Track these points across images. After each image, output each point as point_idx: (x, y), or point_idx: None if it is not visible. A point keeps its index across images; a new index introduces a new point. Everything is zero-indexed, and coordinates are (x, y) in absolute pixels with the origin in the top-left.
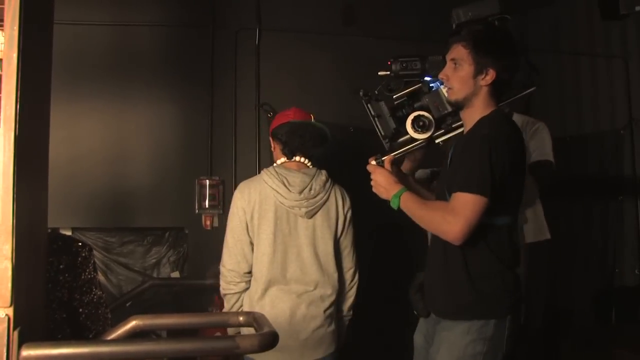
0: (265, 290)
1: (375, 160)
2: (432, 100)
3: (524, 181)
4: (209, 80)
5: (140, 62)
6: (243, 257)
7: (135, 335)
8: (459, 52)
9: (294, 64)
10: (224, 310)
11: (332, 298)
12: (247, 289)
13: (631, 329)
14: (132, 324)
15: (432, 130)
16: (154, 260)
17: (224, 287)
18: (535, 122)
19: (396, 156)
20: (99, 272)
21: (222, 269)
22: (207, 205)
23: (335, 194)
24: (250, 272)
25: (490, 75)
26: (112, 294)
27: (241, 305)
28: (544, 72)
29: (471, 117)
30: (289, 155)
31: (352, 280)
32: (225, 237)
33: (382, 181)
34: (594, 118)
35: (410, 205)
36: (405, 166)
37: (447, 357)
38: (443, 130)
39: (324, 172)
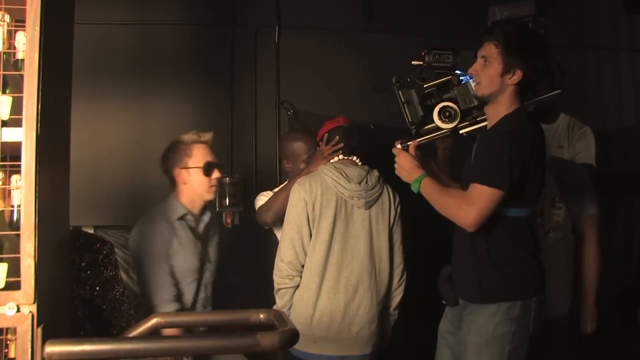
0: (322, 281)
1: (401, 144)
2: (460, 93)
3: (544, 176)
4: (229, 78)
5: (161, 61)
6: (302, 248)
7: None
8: (490, 50)
9: (314, 62)
10: (277, 306)
11: (383, 293)
12: (299, 285)
13: None
14: (154, 321)
15: (457, 121)
16: None
17: (279, 282)
18: (582, 125)
19: (421, 142)
20: (120, 270)
21: (279, 263)
22: (227, 203)
23: (387, 189)
24: (304, 266)
25: (517, 76)
26: (134, 292)
27: (291, 303)
28: (568, 66)
29: (496, 113)
30: (347, 154)
31: (400, 278)
32: (282, 230)
33: (405, 165)
34: (618, 113)
35: (430, 190)
36: (440, 155)
37: (477, 338)
38: (468, 122)
39: (375, 169)
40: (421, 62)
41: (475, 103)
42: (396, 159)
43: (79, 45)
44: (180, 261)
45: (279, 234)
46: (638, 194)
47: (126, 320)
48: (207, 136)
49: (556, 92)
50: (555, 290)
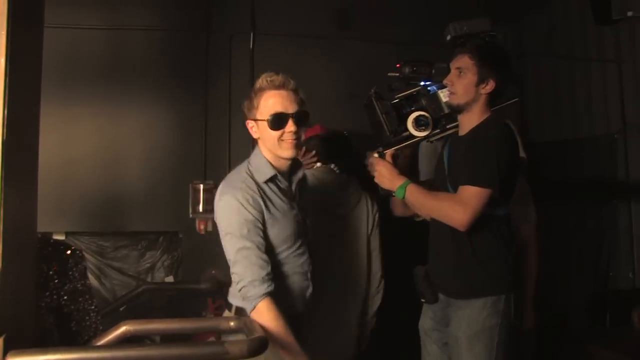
0: None
1: (377, 153)
2: (430, 103)
3: (517, 177)
4: (204, 84)
5: (135, 66)
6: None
7: (126, 341)
8: (465, 62)
9: (289, 69)
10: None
11: (360, 300)
12: None
13: (625, 332)
14: (123, 329)
15: (430, 129)
16: (148, 265)
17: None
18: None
19: (397, 150)
20: (92, 277)
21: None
22: (201, 210)
23: (365, 197)
24: None
25: (490, 85)
26: (105, 299)
27: None
28: (539, 76)
29: (469, 120)
30: (325, 162)
31: (379, 285)
32: None
33: (385, 172)
34: (589, 122)
35: (418, 196)
36: (400, 163)
37: (468, 331)
38: (438, 130)
39: (354, 177)
40: (398, 74)
41: (445, 112)
42: (376, 167)
43: (51, 49)
44: (274, 231)
45: None
46: (607, 201)
47: (94, 330)
48: (279, 80)
49: (515, 100)
50: None
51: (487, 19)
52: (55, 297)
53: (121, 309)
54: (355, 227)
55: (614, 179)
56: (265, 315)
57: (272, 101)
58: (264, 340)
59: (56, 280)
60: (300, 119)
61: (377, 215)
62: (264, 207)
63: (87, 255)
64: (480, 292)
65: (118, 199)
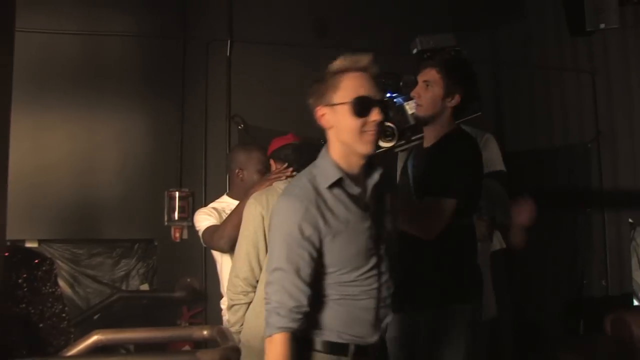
0: None
1: None
2: (397, 114)
3: (482, 188)
4: (180, 91)
5: (110, 72)
6: (257, 264)
7: (98, 350)
8: (433, 76)
9: (266, 76)
10: (229, 322)
11: None
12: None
13: (598, 339)
14: (94, 338)
15: (396, 140)
16: (122, 273)
17: (233, 297)
18: (484, 134)
19: None
20: (66, 285)
21: (234, 279)
22: (176, 217)
23: None
24: (258, 281)
25: (455, 99)
26: (79, 307)
27: (244, 318)
28: (515, 85)
29: (434, 132)
30: (298, 171)
31: None
32: (237, 246)
33: None
34: (563, 131)
35: None
36: None
37: (443, 337)
38: (404, 142)
39: None
40: None
41: (411, 123)
42: None
43: (25, 53)
44: (335, 248)
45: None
46: (581, 209)
47: (64, 339)
48: (365, 60)
49: (478, 114)
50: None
51: (453, 34)
52: (23, 305)
53: (95, 317)
54: None
55: (588, 187)
56: (276, 348)
57: (356, 83)
58: (236, 349)
59: (25, 289)
60: (387, 109)
61: None
62: (321, 220)
63: (60, 263)
64: (449, 301)
65: (93, 206)
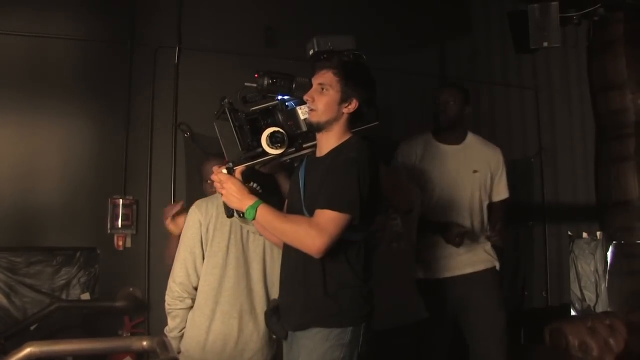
0: (216, 305)
1: (226, 168)
2: (287, 119)
3: (379, 202)
4: (126, 97)
5: (54, 76)
6: (194, 270)
7: None
8: (329, 78)
9: (213, 84)
10: (169, 328)
11: None
12: (191, 307)
13: (538, 349)
14: (27, 351)
15: (285, 147)
16: (63, 282)
17: (170, 302)
18: (495, 148)
19: (247, 167)
20: (1, 294)
21: (171, 284)
22: (119, 225)
23: None
24: (196, 289)
25: (353, 105)
26: (15, 318)
27: (184, 325)
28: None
29: (328, 140)
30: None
31: None
32: (177, 251)
33: (235, 191)
34: (508, 146)
35: (270, 218)
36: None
37: None
38: (294, 149)
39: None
40: (255, 85)
41: (303, 130)
42: (224, 184)
43: None
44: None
45: None
46: (523, 222)
47: None
48: None
49: (375, 123)
50: (398, 298)
51: (353, 36)
52: None
53: (32, 328)
54: (272, 246)
55: (530, 201)
56: None
57: None
58: None
59: None
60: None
61: None
62: None
63: None
64: (325, 323)
65: (32, 212)
